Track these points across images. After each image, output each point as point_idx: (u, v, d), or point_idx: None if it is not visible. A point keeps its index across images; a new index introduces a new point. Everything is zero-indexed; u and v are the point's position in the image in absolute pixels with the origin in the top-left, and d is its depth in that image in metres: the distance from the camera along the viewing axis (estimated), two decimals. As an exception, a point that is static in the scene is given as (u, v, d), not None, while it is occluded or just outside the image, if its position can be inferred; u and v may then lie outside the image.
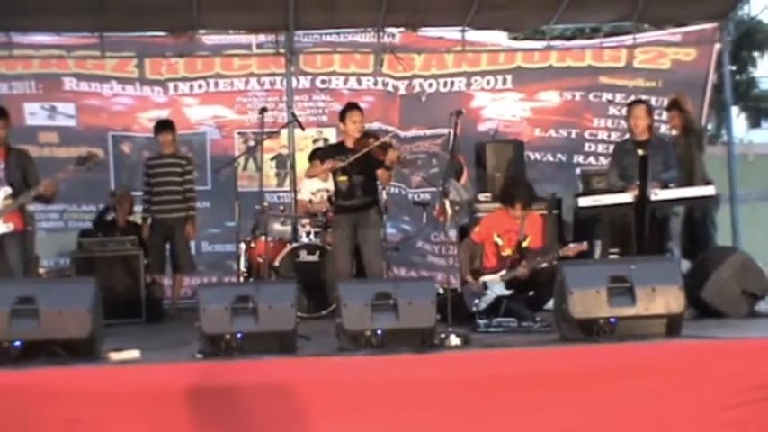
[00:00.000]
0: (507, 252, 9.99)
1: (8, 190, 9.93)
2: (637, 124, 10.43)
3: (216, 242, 13.06)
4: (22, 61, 13.58)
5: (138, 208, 12.61)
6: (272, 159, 13.74)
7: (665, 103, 12.49)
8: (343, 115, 10.65)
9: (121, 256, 11.78)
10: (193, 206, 12.09)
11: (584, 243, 10.07)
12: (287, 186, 13.71)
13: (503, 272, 9.90)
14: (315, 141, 13.59)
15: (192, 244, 12.36)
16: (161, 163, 12.06)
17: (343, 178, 10.50)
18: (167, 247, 11.98)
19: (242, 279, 11.62)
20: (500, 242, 10.03)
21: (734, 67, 20.66)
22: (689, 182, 10.60)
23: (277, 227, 11.85)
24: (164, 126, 12.25)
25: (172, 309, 11.95)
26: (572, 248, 9.77)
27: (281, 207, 12.55)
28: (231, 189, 11.41)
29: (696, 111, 12.51)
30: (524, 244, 10.01)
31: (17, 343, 7.49)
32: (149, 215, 11.98)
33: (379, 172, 10.53)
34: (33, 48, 13.66)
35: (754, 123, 33.50)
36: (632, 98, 12.38)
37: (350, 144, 10.52)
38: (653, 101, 12.93)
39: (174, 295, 12.11)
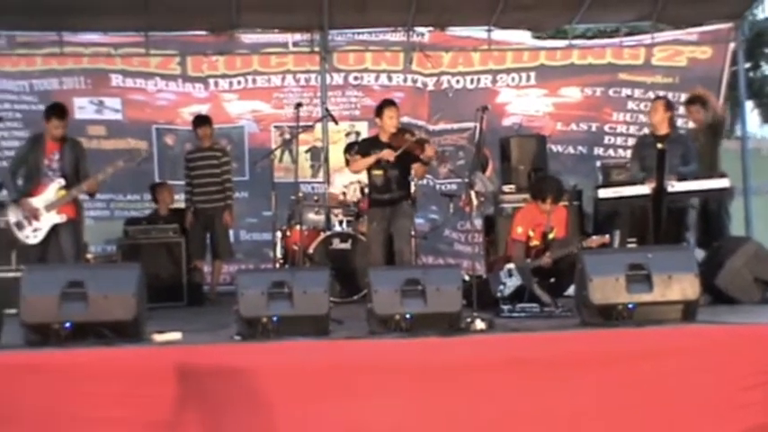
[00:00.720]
0: (535, 243, 9.99)
1: (61, 182, 10.01)
2: (659, 125, 10.40)
3: (253, 231, 13.12)
4: (73, 58, 13.64)
5: (179, 196, 12.66)
6: (306, 152, 13.75)
7: (682, 98, 12.47)
8: (380, 111, 10.62)
9: (164, 243, 11.87)
10: (231, 195, 12.13)
11: (607, 236, 10.09)
12: (321, 177, 13.78)
13: (527, 261, 9.90)
14: (347, 135, 13.61)
15: (231, 232, 12.40)
16: (200, 156, 12.12)
17: (378, 172, 10.47)
18: (207, 234, 12.01)
19: (278, 266, 11.65)
20: (531, 234, 10.02)
21: (748, 65, 20.55)
22: (710, 174, 10.58)
23: (311, 216, 11.83)
24: (202, 120, 12.31)
25: (211, 294, 11.99)
26: (594, 240, 9.77)
27: (315, 197, 12.54)
28: (268, 180, 11.45)
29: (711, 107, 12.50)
30: (550, 236, 10.01)
31: (67, 325, 7.54)
32: (191, 205, 12.01)
33: (415, 166, 10.49)
34: (83, 45, 13.71)
35: (767, 119, 33.40)
36: (651, 95, 12.39)
37: (385, 138, 10.50)
38: (670, 96, 12.90)
39: (214, 281, 12.15)
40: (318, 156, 13.87)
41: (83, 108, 13.70)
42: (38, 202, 9.93)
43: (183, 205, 12.47)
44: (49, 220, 9.94)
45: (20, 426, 6.81)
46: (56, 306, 7.58)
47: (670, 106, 10.69)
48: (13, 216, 9.99)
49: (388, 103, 10.77)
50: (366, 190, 11.10)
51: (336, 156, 13.12)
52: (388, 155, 10.29)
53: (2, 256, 10.88)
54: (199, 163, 12.07)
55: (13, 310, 7.78)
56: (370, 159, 10.43)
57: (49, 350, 7.35)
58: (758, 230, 12.74)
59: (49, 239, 9.94)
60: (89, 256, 11.66)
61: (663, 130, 10.40)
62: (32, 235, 9.93)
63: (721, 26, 13.80)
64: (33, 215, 9.90)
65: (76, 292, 7.62)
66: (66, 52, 13.58)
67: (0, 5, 12.14)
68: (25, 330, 7.65)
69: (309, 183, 13.73)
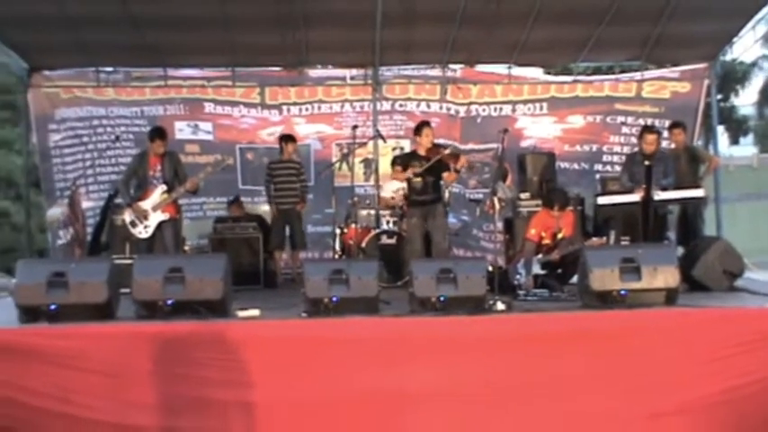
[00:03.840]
0: (547, 242, 9.97)
1: (164, 187, 10.17)
2: (648, 148, 10.38)
3: (317, 225, 13.15)
4: (174, 89, 13.73)
5: (247, 199, 13.31)
6: (360, 162, 13.75)
7: (667, 124, 12.42)
8: (418, 130, 10.71)
9: (245, 237, 11.94)
10: (305, 198, 12.23)
11: (604, 238, 10.27)
12: (371, 182, 13.79)
13: (539, 256, 9.89)
14: (393, 149, 13.55)
15: (300, 225, 12.50)
16: (282, 166, 12.18)
17: (417, 179, 10.54)
18: (287, 229, 12.05)
19: (337, 257, 11.70)
20: (543, 235, 10.01)
21: (719, 97, 20.43)
22: (689, 185, 10.59)
23: (364, 215, 11.95)
24: (289, 138, 12.40)
25: (292, 277, 11.99)
26: (595, 241, 9.85)
27: (368, 201, 12.61)
28: (329, 185, 11.74)
29: (690, 131, 12.46)
30: (559, 236, 9.98)
31: (169, 302, 7.64)
32: (274, 205, 12.06)
33: (446, 175, 10.51)
34: (182, 79, 13.80)
35: (734, 141, 33.21)
36: (641, 122, 12.34)
37: (422, 152, 10.57)
38: (657, 123, 12.89)
39: (293, 266, 12.15)
40: (370, 165, 13.89)
41: (182, 130, 13.79)
42: (146, 204, 10.09)
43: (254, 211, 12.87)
44: (156, 218, 10.09)
45: (133, 382, 6.88)
46: (160, 287, 7.68)
47: (659, 135, 10.72)
48: (128, 216, 10.20)
49: (425, 123, 10.87)
50: (407, 194, 11.10)
51: (385, 166, 13.10)
52: (414, 170, 10.48)
53: (119, 247, 11.03)
54: (281, 172, 12.11)
55: (127, 290, 7.85)
56: (405, 175, 10.60)
57: (154, 322, 7.45)
58: (727, 231, 12.67)
59: (155, 235, 10.10)
60: (186, 248, 11.76)
61: (650, 150, 10.38)
62: (144, 231, 10.10)
63: (698, 66, 13.73)
64: (144, 215, 10.07)
65: (176, 276, 7.71)
66: (169, 84, 13.67)
67: (120, 47, 12.47)
68: (136, 306, 7.77)
69: (362, 186, 13.75)
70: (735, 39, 13.02)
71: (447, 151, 10.69)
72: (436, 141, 10.93)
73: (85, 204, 13.15)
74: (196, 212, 13.64)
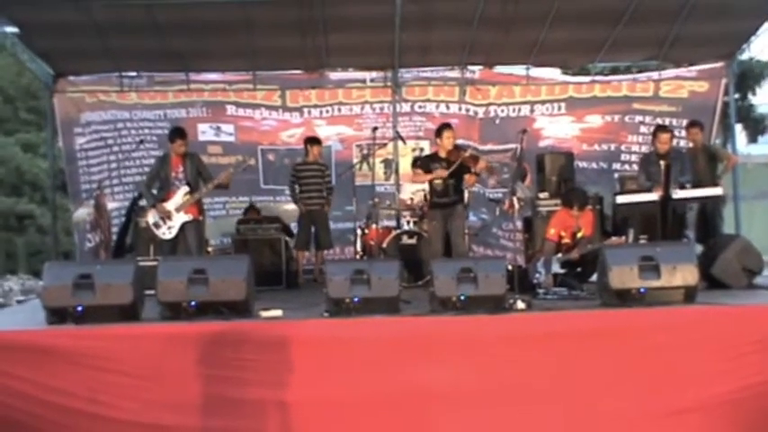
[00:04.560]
0: (566, 240, 9.94)
1: (186, 188, 10.22)
2: (661, 147, 10.37)
3: (338, 221, 13.09)
4: (196, 93, 13.81)
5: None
6: (381, 162, 13.80)
7: (684, 123, 12.38)
8: (439, 132, 10.70)
9: (268, 239, 11.92)
10: (330, 199, 12.29)
11: (623, 237, 10.22)
12: (392, 181, 13.87)
13: (559, 255, 9.87)
14: (413, 150, 13.59)
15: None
16: (308, 168, 12.22)
17: (439, 181, 10.55)
18: (312, 229, 12.09)
19: (358, 257, 11.72)
20: (562, 234, 9.99)
21: (737, 96, 20.29)
22: (707, 184, 10.58)
23: (384, 215, 12.09)
24: (315, 140, 12.45)
25: (315, 276, 12.02)
26: (613, 241, 9.82)
27: (388, 201, 12.63)
28: (350, 183, 11.91)
29: (707, 130, 12.42)
30: (579, 235, 9.95)
31: (193, 303, 7.65)
32: (302, 206, 12.11)
33: (467, 176, 10.52)
34: (204, 83, 13.87)
35: (752, 139, 32.99)
36: (659, 121, 12.32)
37: (443, 154, 10.58)
38: (674, 122, 12.89)
39: (317, 266, 12.18)
40: (390, 165, 13.94)
41: (204, 132, 13.88)
42: (170, 205, 10.14)
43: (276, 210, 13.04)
44: (179, 219, 10.15)
45: (160, 383, 6.92)
46: (184, 288, 7.70)
47: (672, 133, 10.70)
48: (151, 218, 10.22)
49: (446, 126, 10.84)
50: (428, 196, 11.11)
51: (405, 167, 13.20)
52: (441, 174, 10.43)
53: (143, 249, 11.08)
54: (307, 173, 12.16)
55: (151, 292, 7.88)
56: (429, 176, 10.56)
57: (179, 323, 7.48)
58: (745, 229, 12.63)
59: (178, 236, 10.14)
60: (209, 249, 11.80)
61: (664, 149, 10.37)
62: (167, 232, 10.16)
63: (715, 65, 13.70)
64: (167, 216, 10.12)
65: (200, 278, 7.72)
66: (191, 88, 13.75)
67: (143, 53, 12.59)
68: (161, 307, 7.79)
69: (382, 185, 13.79)
70: (752, 37, 12.99)
71: (467, 153, 10.70)
72: (456, 143, 10.93)
73: (111, 205, 13.27)
74: (219, 211, 13.73)
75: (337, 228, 13.04)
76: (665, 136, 10.46)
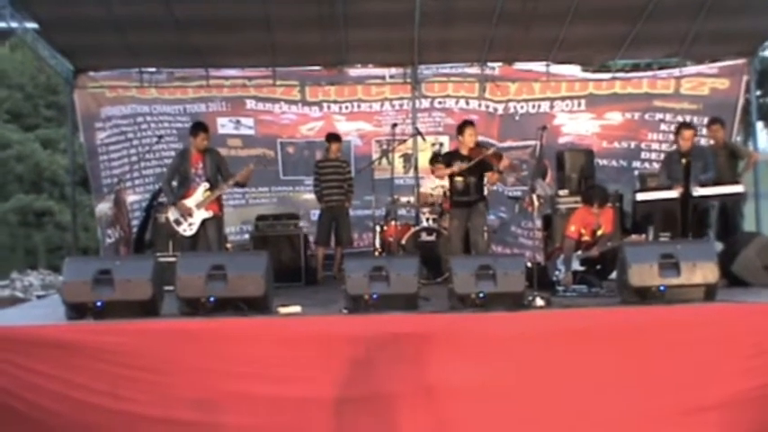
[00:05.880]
0: (586, 238, 9.93)
1: (207, 185, 10.25)
2: (684, 144, 10.36)
3: (357, 209, 13.13)
4: (216, 88, 13.86)
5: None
6: (400, 157, 13.85)
7: (705, 120, 12.36)
8: (461, 129, 10.68)
9: (286, 235, 11.97)
10: (351, 196, 12.38)
11: (643, 235, 10.19)
12: (411, 174, 13.98)
13: (579, 252, 9.86)
14: (432, 146, 13.61)
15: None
16: (329, 164, 12.31)
17: (460, 179, 10.53)
18: (333, 225, 12.15)
19: (377, 254, 11.74)
20: (582, 231, 9.98)
21: (758, 93, 20.23)
22: (728, 181, 10.55)
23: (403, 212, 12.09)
24: (335, 137, 12.54)
25: (335, 273, 12.02)
26: (633, 239, 9.75)
27: (407, 199, 12.69)
28: (369, 177, 12.15)
29: (728, 127, 12.39)
30: (599, 232, 9.94)
31: (212, 299, 7.68)
32: (322, 202, 12.21)
33: (489, 174, 10.53)
34: (224, 78, 13.92)
35: (774, 137, 32.96)
36: (680, 119, 12.29)
37: (464, 151, 10.56)
38: (695, 119, 12.84)
39: (336, 262, 12.21)
40: (410, 159, 14.02)
41: (224, 126, 13.92)
42: (190, 202, 10.17)
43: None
44: (200, 216, 10.18)
45: (180, 378, 6.96)
46: (203, 284, 7.71)
47: (695, 131, 10.67)
48: (172, 215, 10.26)
49: (468, 123, 10.82)
50: (448, 193, 11.11)
51: (424, 162, 13.23)
52: (461, 167, 10.42)
53: (162, 245, 11.13)
54: (329, 170, 12.25)
55: (170, 287, 7.91)
56: (449, 170, 10.55)
57: (198, 319, 7.51)
58: (766, 227, 12.60)
59: (198, 233, 10.17)
60: (228, 245, 11.83)
61: (687, 147, 10.36)
62: (188, 229, 10.19)
63: (737, 62, 13.66)
64: (188, 213, 10.15)
65: (219, 274, 7.73)
66: (211, 84, 13.79)
67: (163, 49, 12.69)
68: (180, 303, 7.81)
69: (402, 178, 13.84)
70: (774, 34, 12.94)
71: (490, 151, 10.69)
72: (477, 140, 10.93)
73: (131, 198, 13.39)
74: (239, 201, 13.81)
75: (356, 215, 13.08)
76: (688, 133, 10.46)
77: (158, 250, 11.02)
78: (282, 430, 6.94)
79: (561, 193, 11.80)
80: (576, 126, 14.09)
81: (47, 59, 13.23)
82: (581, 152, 12.62)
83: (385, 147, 13.36)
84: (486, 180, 10.66)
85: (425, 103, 14.09)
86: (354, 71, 14.22)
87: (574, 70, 14.50)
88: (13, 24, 11.60)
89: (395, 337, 7.08)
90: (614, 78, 14.21)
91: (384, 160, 12.99)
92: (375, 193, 11.96)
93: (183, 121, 13.56)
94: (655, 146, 13.83)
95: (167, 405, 6.90)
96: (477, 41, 12.97)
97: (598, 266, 9.80)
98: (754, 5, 11.83)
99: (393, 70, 14.11)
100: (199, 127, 10.59)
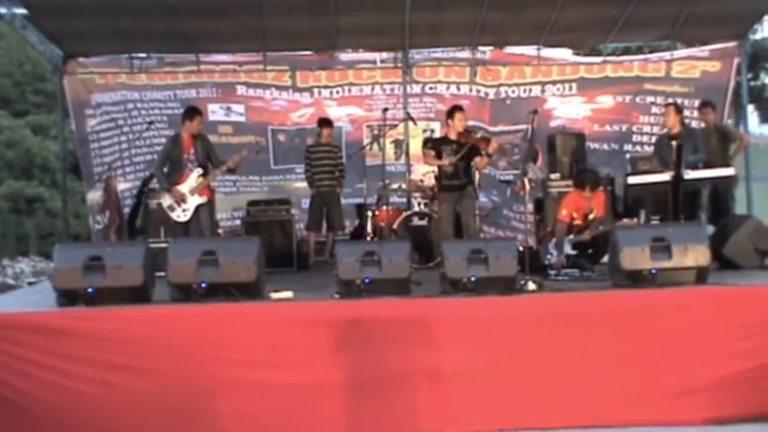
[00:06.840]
0: (577, 222, 9.94)
1: (200, 170, 10.20)
2: (669, 122, 10.41)
3: (348, 197, 13.12)
4: (207, 74, 13.83)
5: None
6: (391, 143, 13.80)
7: (696, 103, 12.37)
8: (451, 114, 10.67)
9: (278, 220, 11.95)
10: (342, 181, 12.36)
11: (635, 219, 10.33)
12: (402, 161, 14.00)
13: (571, 236, 9.87)
14: (424, 131, 13.65)
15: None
16: (320, 149, 12.31)
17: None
18: (324, 210, 12.14)
19: (369, 239, 11.71)
20: (574, 215, 9.98)
21: (749, 76, 20.25)
22: (719, 164, 10.53)
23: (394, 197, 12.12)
24: (327, 122, 12.53)
25: (327, 259, 12.01)
26: (625, 222, 9.77)
27: (398, 184, 12.64)
28: (360, 163, 12.16)
29: (719, 110, 12.40)
30: (591, 216, 9.95)
31: (203, 284, 7.63)
32: (313, 187, 12.18)
33: (478, 159, 10.53)
34: (214, 64, 13.90)
35: (764, 119, 32.99)
36: (670, 101, 12.29)
37: (453, 136, 10.56)
38: (686, 102, 12.85)
39: (328, 247, 12.20)
40: (401, 145, 14.03)
41: (214, 112, 13.89)
42: (184, 188, 10.13)
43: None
44: (194, 201, 10.14)
45: (168, 365, 6.95)
46: (194, 270, 7.68)
47: (679, 109, 10.73)
48: (165, 201, 10.21)
49: (457, 108, 10.83)
50: (438, 179, 11.10)
51: (416, 147, 13.25)
52: (449, 161, 10.45)
53: (154, 231, 11.12)
54: (320, 155, 12.24)
55: (161, 273, 7.89)
56: (439, 162, 10.60)
57: (189, 304, 7.48)
58: (757, 210, 12.61)
59: (191, 218, 10.14)
60: (219, 231, 11.81)
61: (676, 129, 10.40)
62: (182, 215, 10.15)
63: (728, 44, 13.66)
64: (182, 199, 10.10)
65: (210, 259, 7.70)
66: (201, 69, 13.77)
67: (153, 34, 12.61)
68: (171, 289, 7.78)
69: (393, 164, 13.72)
70: (765, 17, 12.94)
71: (479, 135, 10.69)
72: (467, 125, 10.91)
73: (122, 186, 13.30)
74: (230, 188, 13.78)
75: (347, 203, 13.07)
76: (670, 110, 10.54)
77: (150, 236, 11.01)
78: (275, 415, 6.93)
79: (553, 176, 11.82)
80: (568, 110, 14.09)
81: (36, 45, 13.17)
82: (572, 136, 12.64)
83: (376, 132, 13.33)
84: (475, 164, 10.64)
85: (416, 88, 14.08)
86: (345, 56, 14.25)
87: (565, 54, 14.49)
88: (2, 10, 11.55)
89: (387, 322, 7.08)
90: (605, 62, 14.22)
91: (375, 146, 12.97)
92: (366, 180, 11.91)
93: (173, 108, 13.52)
94: (646, 129, 13.83)
95: (159, 392, 6.89)
96: (468, 25, 12.95)
97: (590, 250, 9.81)
98: (746, -12, 11.84)
99: (384, 55, 14.10)
100: (194, 111, 10.56)
